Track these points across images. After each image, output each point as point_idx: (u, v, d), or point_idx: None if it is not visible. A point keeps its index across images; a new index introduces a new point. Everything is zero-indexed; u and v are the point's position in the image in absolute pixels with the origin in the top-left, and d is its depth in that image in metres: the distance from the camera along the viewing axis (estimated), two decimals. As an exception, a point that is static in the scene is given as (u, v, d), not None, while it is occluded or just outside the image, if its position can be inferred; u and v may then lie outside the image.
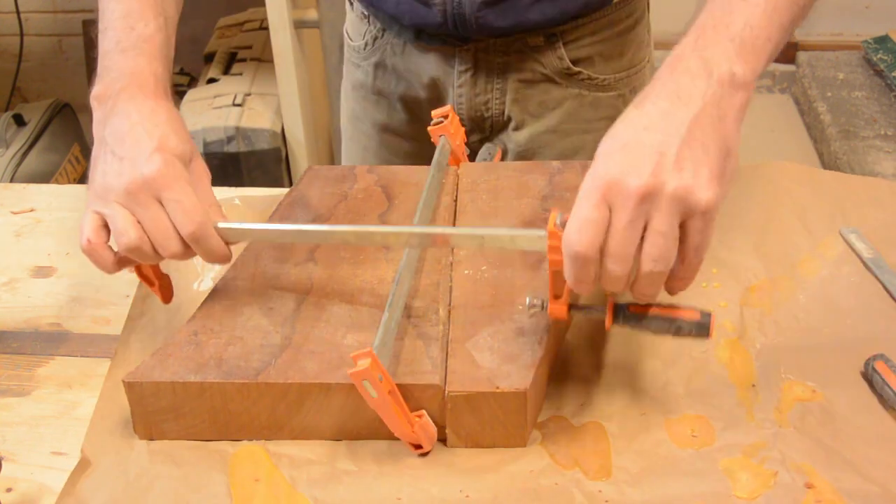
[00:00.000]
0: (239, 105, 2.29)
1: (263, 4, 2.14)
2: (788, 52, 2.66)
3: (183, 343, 0.78)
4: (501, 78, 1.12)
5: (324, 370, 0.74)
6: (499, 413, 0.72)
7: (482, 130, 1.17)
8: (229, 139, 2.24)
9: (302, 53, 2.24)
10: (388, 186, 0.98)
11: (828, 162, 2.25)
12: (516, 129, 1.16)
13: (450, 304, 0.81)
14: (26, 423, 0.80)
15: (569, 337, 0.85)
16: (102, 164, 0.77)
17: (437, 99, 1.15)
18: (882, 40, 2.50)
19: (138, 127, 0.78)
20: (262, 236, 0.82)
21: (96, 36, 0.85)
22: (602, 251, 0.66)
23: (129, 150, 0.76)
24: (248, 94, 2.33)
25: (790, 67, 2.68)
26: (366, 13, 1.17)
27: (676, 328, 0.72)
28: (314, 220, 0.93)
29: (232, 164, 2.26)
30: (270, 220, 0.93)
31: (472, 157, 1.10)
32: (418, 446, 0.73)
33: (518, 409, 0.72)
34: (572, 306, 0.74)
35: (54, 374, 0.86)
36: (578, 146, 1.16)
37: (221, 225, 0.78)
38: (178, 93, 2.47)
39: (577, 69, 1.11)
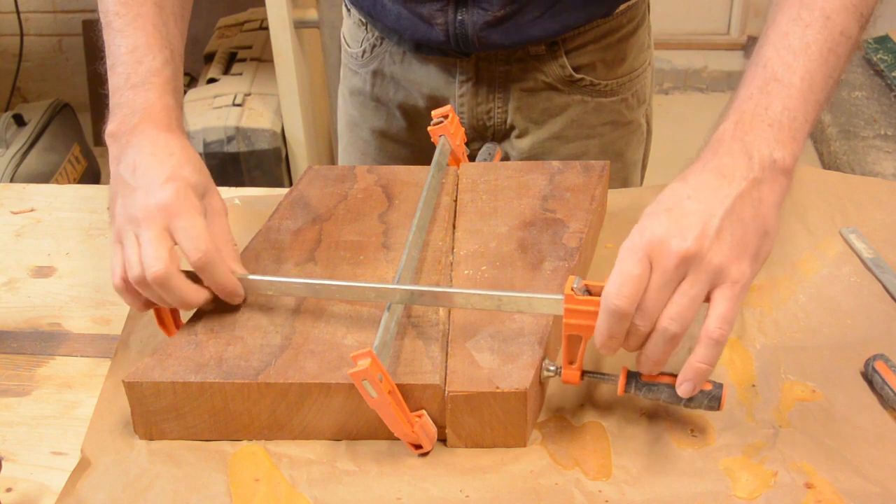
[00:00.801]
0: (239, 105, 2.29)
1: (263, 4, 2.14)
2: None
3: (183, 343, 0.78)
4: (503, 87, 1.11)
5: (324, 370, 0.74)
6: (499, 413, 0.72)
7: (484, 138, 1.16)
8: (229, 139, 2.24)
9: (302, 53, 2.24)
10: (388, 186, 0.98)
11: (828, 162, 2.25)
12: (519, 136, 1.15)
13: (450, 304, 0.81)
14: (26, 423, 0.80)
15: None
16: (121, 198, 0.79)
17: (437, 107, 1.13)
18: (882, 40, 2.50)
19: (151, 158, 0.79)
20: (281, 289, 0.81)
21: (104, 71, 0.86)
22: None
23: (142, 179, 0.78)
24: (248, 94, 2.33)
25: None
26: (363, 20, 1.16)
27: (688, 398, 0.72)
28: (314, 220, 0.93)
29: (232, 164, 2.26)
30: (271, 220, 0.93)
31: (472, 160, 1.09)
32: (418, 446, 0.73)
33: (518, 409, 0.72)
34: (585, 372, 0.74)
35: (54, 374, 0.86)
36: (581, 151, 1.15)
37: (240, 277, 0.79)
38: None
39: (579, 76, 1.10)
